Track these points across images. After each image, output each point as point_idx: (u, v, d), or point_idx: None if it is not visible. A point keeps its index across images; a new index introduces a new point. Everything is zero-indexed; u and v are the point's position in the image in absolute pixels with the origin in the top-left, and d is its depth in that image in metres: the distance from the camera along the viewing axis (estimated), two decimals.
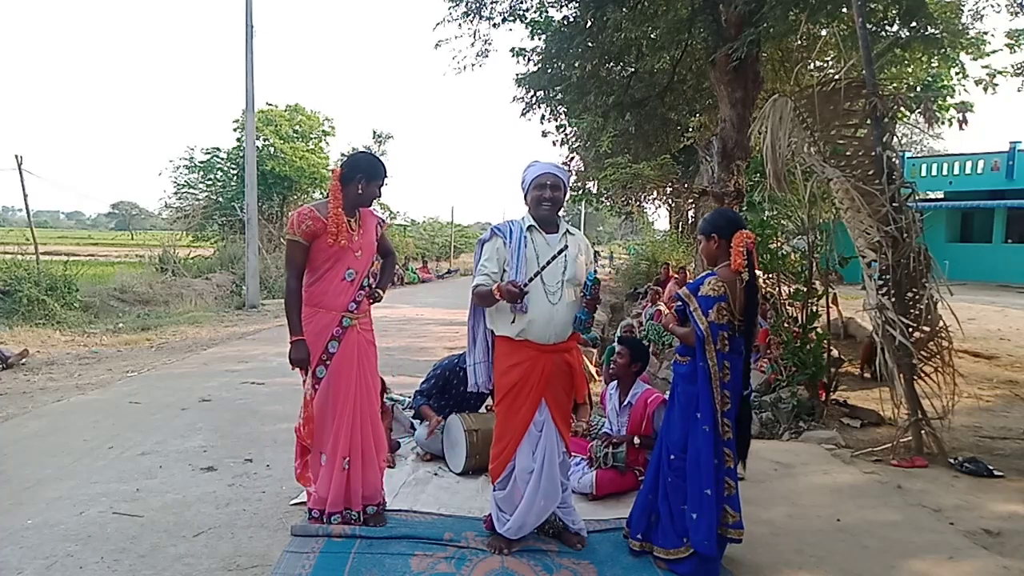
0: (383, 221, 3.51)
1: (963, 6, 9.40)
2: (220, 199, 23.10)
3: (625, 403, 3.94)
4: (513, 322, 2.97)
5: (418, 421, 4.57)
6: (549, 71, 11.26)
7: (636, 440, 3.80)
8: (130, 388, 6.45)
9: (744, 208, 6.85)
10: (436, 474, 4.10)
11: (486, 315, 3.11)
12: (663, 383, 6.86)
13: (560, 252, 2.96)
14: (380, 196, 3.37)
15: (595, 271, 3.20)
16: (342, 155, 28.28)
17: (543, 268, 2.94)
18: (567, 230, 3.13)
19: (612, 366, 4.12)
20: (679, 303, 2.95)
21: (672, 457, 2.90)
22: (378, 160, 3.31)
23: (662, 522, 2.94)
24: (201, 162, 24.00)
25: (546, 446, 3.01)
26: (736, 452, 2.87)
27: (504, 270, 3.01)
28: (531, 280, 2.92)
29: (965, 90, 10.89)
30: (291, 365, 3.25)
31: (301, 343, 3.20)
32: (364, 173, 3.21)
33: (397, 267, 3.95)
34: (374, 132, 30.08)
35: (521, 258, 2.98)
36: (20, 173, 11.81)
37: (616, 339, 5.42)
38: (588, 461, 3.87)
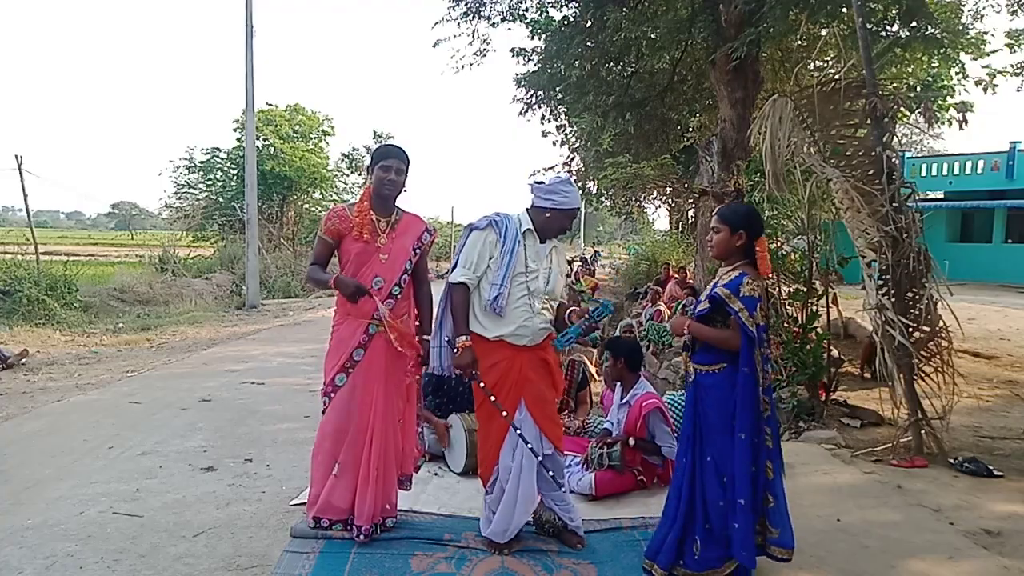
0: (431, 230, 3.25)
1: (963, 6, 9.41)
2: (220, 199, 23.14)
3: (624, 401, 3.95)
4: (489, 326, 2.97)
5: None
6: (549, 71, 11.25)
7: (631, 440, 3.80)
8: (130, 388, 6.45)
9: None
10: (436, 474, 4.10)
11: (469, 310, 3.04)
12: (663, 383, 6.86)
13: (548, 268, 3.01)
14: (399, 182, 3.07)
15: (612, 303, 3.21)
16: (342, 155, 28.33)
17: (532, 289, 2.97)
18: (554, 244, 3.12)
19: (605, 370, 4.14)
20: (705, 307, 2.74)
21: (725, 478, 2.70)
22: (391, 145, 3.14)
23: (706, 542, 2.74)
24: (201, 162, 24.04)
25: (524, 446, 2.99)
26: (778, 461, 2.73)
27: (488, 266, 2.97)
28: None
29: (965, 90, 10.88)
30: (351, 299, 2.98)
31: (339, 277, 2.99)
32: (373, 159, 3.09)
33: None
34: (374, 132, 30.03)
35: (514, 260, 2.94)
36: (20, 173, 11.83)
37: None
38: (584, 462, 3.85)
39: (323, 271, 3.12)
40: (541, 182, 3.04)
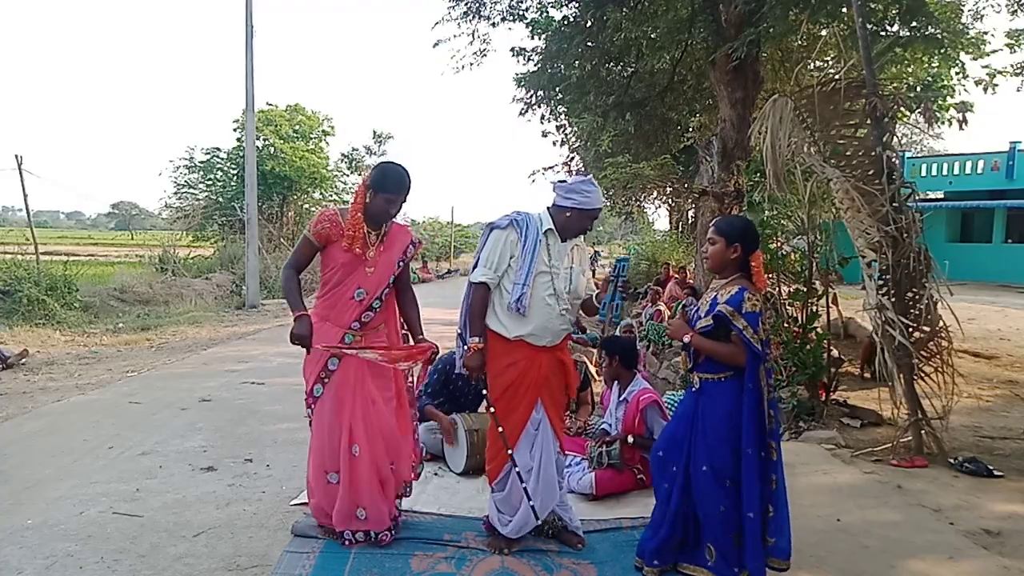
0: (416, 242, 3.23)
1: (963, 6, 9.41)
2: (220, 199, 23.13)
3: (621, 399, 3.95)
4: (510, 326, 2.96)
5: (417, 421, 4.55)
6: (549, 71, 11.26)
7: (630, 438, 3.80)
8: (130, 388, 6.45)
9: (744, 208, 6.84)
10: (436, 474, 4.10)
11: (489, 309, 3.03)
12: (663, 383, 6.86)
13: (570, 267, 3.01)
14: (392, 212, 3.05)
15: (629, 256, 3.19)
16: (342, 155, 28.33)
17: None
18: (576, 244, 3.10)
19: (604, 369, 4.13)
20: (708, 324, 2.70)
21: (728, 483, 2.70)
22: (399, 172, 3.01)
23: (718, 552, 2.74)
24: (201, 162, 24.04)
25: (543, 445, 3.01)
26: (780, 472, 2.75)
27: (510, 265, 2.95)
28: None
29: (965, 90, 10.87)
30: (292, 341, 3.04)
31: (304, 318, 3.02)
32: (379, 182, 2.98)
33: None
34: (374, 132, 30.07)
35: (535, 259, 2.91)
36: (20, 173, 11.82)
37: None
38: (588, 462, 3.87)
39: (298, 289, 3.12)
40: (564, 181, 3.01)
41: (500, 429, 2.96)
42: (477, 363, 2.96)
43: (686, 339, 2.76)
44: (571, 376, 3.16)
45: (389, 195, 2.99)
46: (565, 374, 3.11)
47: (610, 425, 4.06)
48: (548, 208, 3.03)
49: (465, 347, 3.01)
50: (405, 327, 3.29)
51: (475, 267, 3.03)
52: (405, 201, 3.06)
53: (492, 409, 2.99)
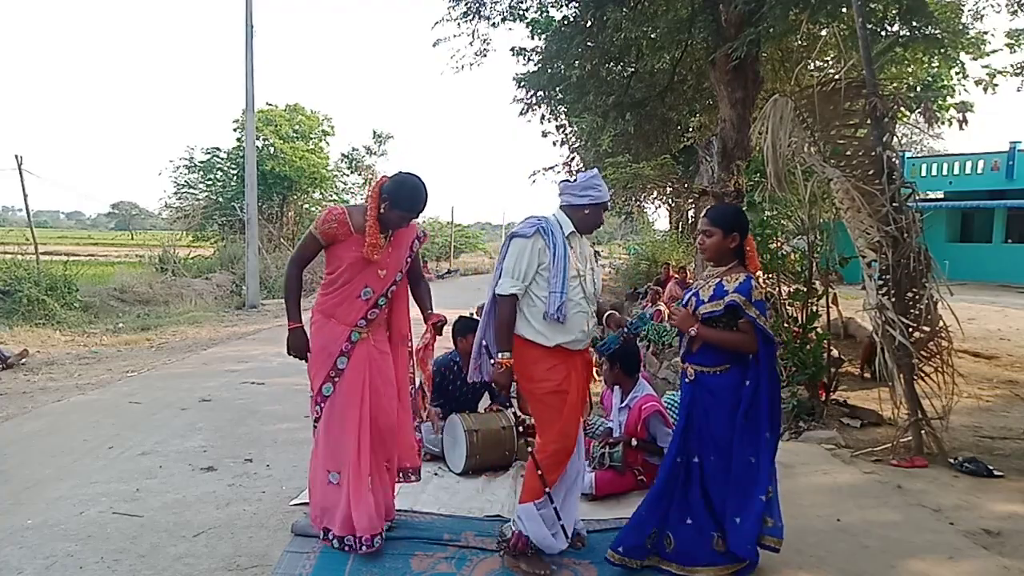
0: (421, 236, 3.20)
1: (963, 6, 9.42)
2: (220, 199, 23.18)
3: (624, 404, 3.94)
4: (550, 335, 2.81)
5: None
6: (549, 71, 11.26)
7: (634, 441, 3.80)
8: (130, 388, 6.46)
9: (744, 208, 6.84)
10: (436, 474, 4.10)
11: (518, 318, 2.86)
12: (663, 383, 6.85)
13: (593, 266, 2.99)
14: (405, 225, 3.05)
15: (650, 314, 3.17)
16: (342, 155, 28.33)
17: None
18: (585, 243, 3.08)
19: (604, 372, 4.12)
20: (717, 308, 2.70)
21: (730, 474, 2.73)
22: (420, 189, 2.97)
23: (693, 537, 2.77)
24: (201, 162, 24.07)
25: (578, 450, 2.99)
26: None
27: (538, 272, 2.81)
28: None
29: (965, 90, 10.91)
30: (289, 353, 3.10)
31: (300, 331, 3.07)
32: (398, 196, 2.93)
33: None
34: (374, 132, 30.00)
35: (568, 263, 2.80)
36: (20, 173, 11.84)
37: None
38: (589, 461, 3.86)
39: (299, 294, 3.16)
40: (571, 181, 2.93)
41: (539, 472, 2.80)
42: (508, 380, 2.85)
43: (692, 332, 2.75)
44: (591, 375, 3.18)
45: (404, 213, 2.98)
46: (590, 374, 3.13)
47: (615, 426, 4.05)
48: (562, 209, 2.93)
49: (492, 362, 2.88)
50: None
51: (498, 278, 2.86)
52: (420, 213, 3.09)
53: (524, 432, 2.95)
